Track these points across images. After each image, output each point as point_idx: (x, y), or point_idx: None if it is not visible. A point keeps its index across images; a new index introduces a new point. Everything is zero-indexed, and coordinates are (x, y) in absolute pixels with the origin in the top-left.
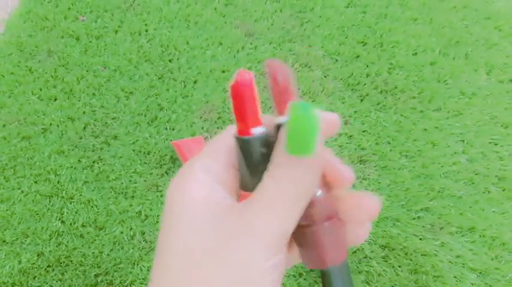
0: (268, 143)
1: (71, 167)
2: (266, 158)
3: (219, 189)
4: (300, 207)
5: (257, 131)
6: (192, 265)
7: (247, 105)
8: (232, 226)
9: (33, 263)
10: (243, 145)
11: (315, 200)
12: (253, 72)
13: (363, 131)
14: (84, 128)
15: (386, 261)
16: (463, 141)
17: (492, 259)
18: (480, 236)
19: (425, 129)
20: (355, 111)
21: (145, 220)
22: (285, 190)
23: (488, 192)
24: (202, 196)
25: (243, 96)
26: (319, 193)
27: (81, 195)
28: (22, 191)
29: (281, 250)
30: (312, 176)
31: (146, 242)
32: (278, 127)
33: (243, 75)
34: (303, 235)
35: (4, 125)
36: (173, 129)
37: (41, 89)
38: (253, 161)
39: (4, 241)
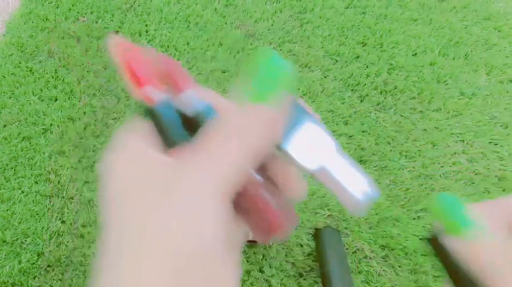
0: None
1: (72, 167)
2: (174, 123)
3: (151, 148)
4: (249, 157)
5: (158, 96)
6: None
7: (130, 65)
8: (174, 172)
9: (33, 263)
10: (146, 113)
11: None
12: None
13: (363, 131)
14: (85, 128)
15: (386, 261)
16: (463, 141)
17: None
18: None
19: (425, 130)
20: (355, 112)
21: None
22: (235, 135)
23: (488, 192)
24: (134, 153)
25: (122, 57)
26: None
27: (81, 195)
28: (22, 191)
29: (227, 204)
30: (267, 128)
31: None
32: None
33: (113, 37)
34: (243, 201)
35: (5, 126)
36: None
37: (41, 90)
38: (162, 128)
39: (4, 241)
